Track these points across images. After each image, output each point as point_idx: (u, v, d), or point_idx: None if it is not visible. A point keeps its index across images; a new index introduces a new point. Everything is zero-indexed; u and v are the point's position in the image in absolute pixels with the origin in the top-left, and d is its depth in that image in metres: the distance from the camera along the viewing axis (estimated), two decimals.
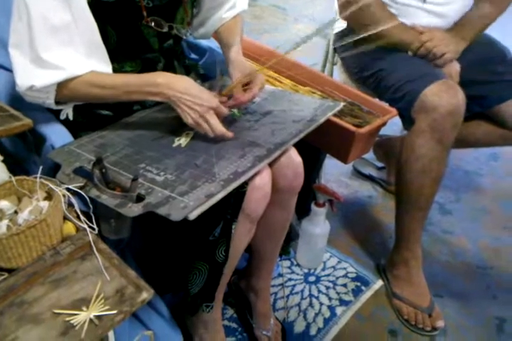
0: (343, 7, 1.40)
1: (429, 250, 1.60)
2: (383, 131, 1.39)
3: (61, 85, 0.90)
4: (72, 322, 0.64)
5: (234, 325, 1.32)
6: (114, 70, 1.00)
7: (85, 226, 0.74)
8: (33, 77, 0.87)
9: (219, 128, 0.93)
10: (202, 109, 0.91)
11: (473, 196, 1.89)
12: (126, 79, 0.93)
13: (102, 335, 0.65)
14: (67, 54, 0.88)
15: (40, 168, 0.76)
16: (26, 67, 0.87)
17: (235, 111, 1.08)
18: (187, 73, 1.18)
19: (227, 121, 1.03)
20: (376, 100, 1.34)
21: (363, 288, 1.46)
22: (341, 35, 1.57)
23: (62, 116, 1.00)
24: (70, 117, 1.00)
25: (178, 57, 1.15)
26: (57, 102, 0.94)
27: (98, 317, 0.65)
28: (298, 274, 1.49)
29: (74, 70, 0.89)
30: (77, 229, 0.76)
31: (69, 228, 0.75)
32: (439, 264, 1.56)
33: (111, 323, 0.65)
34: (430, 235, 1.67)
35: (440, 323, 1.32)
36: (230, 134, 0.95)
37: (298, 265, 1.52)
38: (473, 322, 1.37)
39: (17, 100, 0.96)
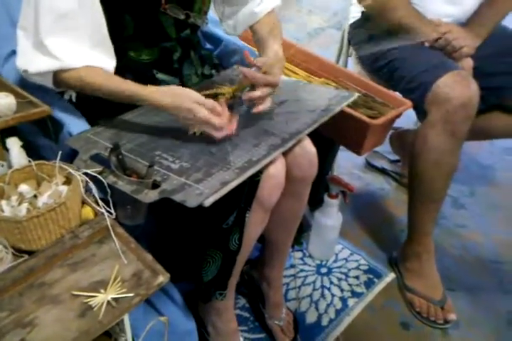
0: None
1: (442, 244, 1.59)
2: (398, 123, 1.38)
3: (56, 74, 0.91)
4: (90, 303, 0.66)
5: (246, 314, 1.33)
6: (131, 58, 1.01)
7: (103, 210, 0.75)
8: (29, 62, 0.89)
9: (217, 120, 0.90)
10: (193, 117, 0.89)
11: (487, 190, 1.88)
12: (119, 86, 0.92)
13: (120, 317, 0.67)
14: (69, 43, 0.89)
15: (59, 153, 0.77)
16: (26, 51, 0.89)
17: None
18: (202, 63, 1.19)
19: (243, 110, 1.03)
20: (391, 91, 1.34)
21: (375, 280, 1.46)
22: (356, 26, 1.57)
23: (66, 96, 1.01)
24: (73, 99, 1.01)
25: (194, 47, 1.15)
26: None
27: (115, 299, 0.67)
28: (310, 265, 1.50)
29: (69, 62, 0.89)
30: (95, 213, 0.77)
31: (87, 212, 0.76)
32: (451, 258, 1.56)
33: (128, 305, 0.66)
34: (443, 229, 1.66)
35: (452, 316, 1.32)
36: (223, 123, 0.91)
37: (310, 256, 1.53)
38: (485, 316, 1.37)
39: (35, 88, 0.98)
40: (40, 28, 0.86)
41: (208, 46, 1.35)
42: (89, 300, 0.66)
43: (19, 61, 0.90)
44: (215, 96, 1.01)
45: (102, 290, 0.67)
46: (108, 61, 0.94)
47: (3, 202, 0.72)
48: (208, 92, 1.01)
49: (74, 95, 1.01)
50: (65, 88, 0.98)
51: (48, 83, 0.93)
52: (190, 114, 0.88)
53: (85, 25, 0.89)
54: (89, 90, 0.92)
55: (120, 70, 0.97)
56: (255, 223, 1.00)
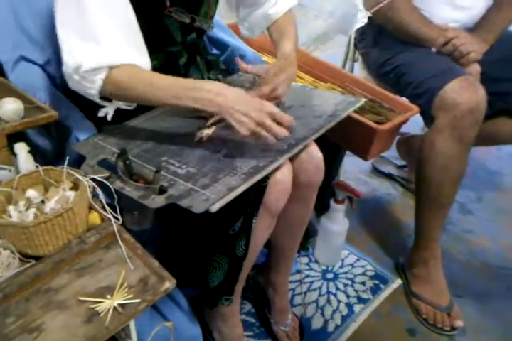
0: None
1: (449, 249, 1.58)
2: (405, 129, 1.38)
3: (108, 76, 0.86)
4: (96, 309, 0.66)
5: (252, 320, 1.32)
6: None
7: (110, 216, 0.75)
8: (82, 56, 0.83)
9: (280, 130, 0.87)
10: (258, 115, 0.85)
11: (494, 196, 1.87)
12: (174, 79, 0.87)
13: (126, 323, 0.67)
14: (118, 41, 0.86)
15: (67, 158, 0.78)
16: (75, 45, 0.84)
17: None
18: (208, 68, 1.19)
19: None
20: (397, 97, 1.34)
21: (381, 286, 1.45)
22: (362, 31, 1.57)
23: (101, 114, 0.96)
24: (109, 118, 0.96)
25: (200, 52, 1.15)
26: (101, 97, 0.90)
27: (122, 305, 0.67)
28: (316, 271, 1.49)
29: (125, 58, 0.86)
30: (102, 219, 0.77)
31: (94, 218, 0.76)
32: (459, 264, 1.55)
33: (134, 311, 0.66)
34: (450, 234, 1.65)
35: (459, 323, 1.31)
36: (286, 133, 0.88)
37: (316, 262, 1.52)
38: (492, 323, 1.35)
39: (45, 94, 0.99)
40: (89, 20, 0.83)
41: (215, 51, 1.35)
42: (95, 305, 0.66)
43: (70, 58, 0.84)
44: None
45: (109, 296, 0.67)
46: (146, 61, 0.91)
47: (11, 208, 0.73)
48: None
49: (111, 114, 0.96)
50: (112, 95, 0.91)
51: (95, 88, 0.87)
52: (256, 105, 0.86)
53: (125, 25, 0.88)
54: (146, 91, 0.86)
55: None
56: (262, 229, 1.00)
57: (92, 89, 0.87)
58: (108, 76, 0.86)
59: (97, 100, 0.91)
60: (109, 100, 0.93)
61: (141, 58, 0.90)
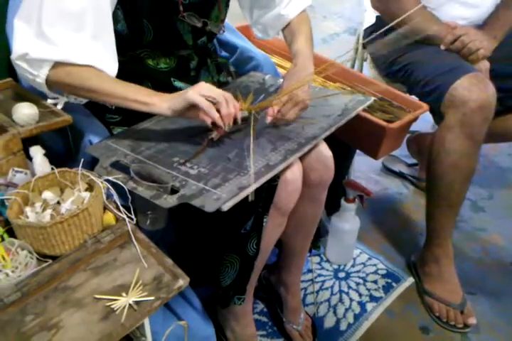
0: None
1: (461, 247, 1.58)
2: (415, 127, 1.38)
3: (56, 67, 0.87)
4: (112, 307, 0.67)
5: (264, 319, 1.33)
6: (149, 67, 1.03)
7: (124, 216, 0.77)
8: (31, 46, 0.84)
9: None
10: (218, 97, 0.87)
11: (506, 193, 1.86)
12: (113, 86, 0.89)
13: (141, 320, 0.68)
14: (74, 38, 0.86)
15: (82, 160, 0.79)
16: (27, 37, 0.85)
17: None
18: (218, 71, 1.21)
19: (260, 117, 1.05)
20: (407, 95, 1.34)
21: (393, 284, 1.45)
22: (371, 30, 1.57)
23: (50, 101, 0.95)
24: (59, 107, 0.95)
25: (210, 55, 1.17)
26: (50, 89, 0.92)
27: (137, 302, 0.68)
28: (328, 270, 1.50)
29: (75, 56, 0.86)
30: (117, 219, 0.79)
31: (109, 218, 0.78)
32: (471, 262, 1.54)
33: (149, 309, 0.68)
34: (462, 232, 1.65)
35: (472, 320, 1.31)
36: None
37: (328, 261, 1.53)
38: (506, 320, 1.35)
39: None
40: (43, 20, 0.83)
41: (224, 54, 1.37)
42: (111, 303, 0.68)
43: (16, 46, 0.85)
44: None
45: (124, 294, 0.69)
46: (112, 65, 0.92)
47: (28, 209, 0.74)
48: None
49: (61, 105, 0.96)
50: (58, 88, 0.92)
51: (40, 78, 0.87)
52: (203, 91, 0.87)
53: (92, 22, 0.87)
54: (84, 91, 0.89)
55: (138, 78, 1.00)
56: (273, 228, 1.01)
57: (38, 77, 0.88)
58: (57, 68, 0.87)
59: (46, 90, 0.92)
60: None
61: (101, 60, 0.90)
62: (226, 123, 0.89)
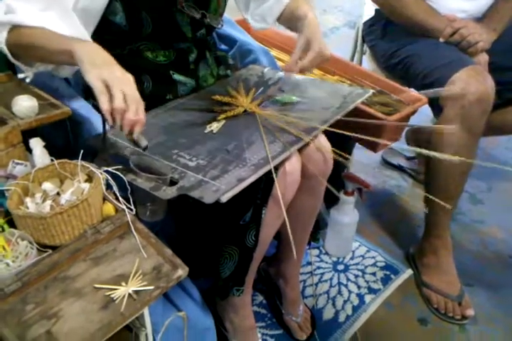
0: None
1: (460, 239, 1.59)
2: (414, 120, 1.38)
3: (13, 31, 0.88)
4: (112, 296, 0.68)
5: (263, 311, 1.34)
6: (148, 60, 1.03)
7: (124, 207, 0.78)
8: None
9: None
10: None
11: (504, 185, 1.87)
12: (46, 42, 0.86)
13: (141, 309, 0.69)
14: (31, 9, 0.88)
15: (81, 151, 0.80)
16: None
17: (282, 97, 1.10)
18: (218, 64, 1.21)
19: (261, 106, 1.05)
20: (406, 88, 1.34)
21: (392, 276, 1.46)
22: (370, 23, 1.57)
23: (20, 76, 0.95)
24: (28, 80, 0.95)
25: (209, 48, 1.17)
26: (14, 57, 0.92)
27: (136, 292, 0.69)
28: (327, 262, 1.51)
29: (29, 19, 0.87)
30: (116, 210, 0.79)
31: (108, 209, 0.78)
32: (469, 254, 1.55)
33: (148, 298, 0.68)
34: (461, 225, 1.66)
35: (470, 312, 1.32)
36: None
37: (326, 253, 1.54)
38: (503, 312, 1.36)
39: (57, 91, 1.01)
40: None
41: (223, 47, 1.37)
42: (111, 292, 0.68)
43: None
44: (226, 104, 1.04)
45: (124, 283, 0.70)
46: (64, 28, 0.88)
47: (28, 200, 0.75)
48: (223, 100, 1.05)
49: (31, 77, 0.95)
50: (16, 52, 0.92)
51: (2, 43, 0.89)
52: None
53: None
54: (32, 50, 0.87)
55: (137, 72, 1.00)
56: (272, 220, 1.01)
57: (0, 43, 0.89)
58: (10, 33, 0.88)
59: (10, 58, 0.92)
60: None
61: (55, 23, 0.89)
62: (117, 119, 0.79)
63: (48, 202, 0.74)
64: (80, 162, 0.79)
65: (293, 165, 0.96)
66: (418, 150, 1.00)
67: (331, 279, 1.45)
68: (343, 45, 1.92)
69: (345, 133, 0.98)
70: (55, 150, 1.02)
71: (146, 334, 0.83)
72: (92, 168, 0.77)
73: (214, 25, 1.10)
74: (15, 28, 0.89)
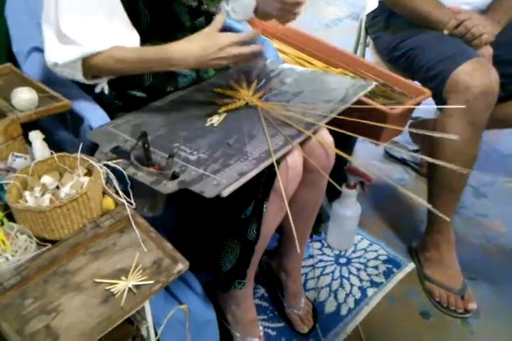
0: None
1: (463, 233, 1.58)
2: (417, 113, 1.37)
3: (85, 60, 0.91)
4: (112, 290, 0.68)
5: (265, 304, 1.34)
6: None
7: (124, 201, 0.77)
8: (56, 54, 0.90)
9: (252, 48, 0.93)
10: (227, 52, 0.90)
11: (508, 179, 1.85)
12: (143, 54, 0.93)
13: (141, 303, 0.68)
14: (88, 26, 0.90)
15: (81, 145, 0.79)
16: (51, 43, 0.91)
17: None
18: None
19: (262, 99, 1.04)
20: (409, 81, 1.33)
21: (394, 270, 1.46)
22: (373, 15, 1.55)
23: (97, 90, 1.00)
24: (106, 91, 1.00)
25: None
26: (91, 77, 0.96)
27: (136, 286, 0.69)
28: (329, 256, 1.50)
29: (93, 46, 0.90)
30: (116, 204, 0.79)
31: (108, 203, 0.78)
32: (472, 247, 1.54)
33: (148, 292, 0.68)
34: (464, 218, 1.65)
35: (472, 305, 1.32)
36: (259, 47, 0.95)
37: (329, 247, 1.53)
38: (506, 306, 1.36)
39: (56, 83, 1.00)
40: (59, 17, 0.88)
41: None
42: (111, 287, 0.68)
43: (47, 56, 0.91)
44: (228, 97, 1.04)
45: (124, 278, 0.69)
46: (131, 36, 0.95)
47: (27, 193, 0.75)
48: (225, 93, 1.04)
49: (106, 87, 1.00)
50: (97, 74, 0.97)
51: (78, 75, 0.93)
52: (218, 46, 0.90)
53: (101, 3, 0.90)
54: (119, 68, 0.93)
55: None
56: (273, 213, 1.01)
57: (76, 75, 0.94)
58: (84, 64, 0.92)
59: (86, 81, 0.96)
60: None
61: (123, 38, 0.93)
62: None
63: (47, 196, 0.73)
64: (79, 155, 0.78)
65: (295, 159, 0.95)
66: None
67: (332, 272, 1.45)
68: (346, 37, 1.91)
69: (345, 132, 0.98)
70: (57, 144, 1.01)
71: (148, 328, 0.83)
72: (92, 161, 0.77)
73: (213, 12, 1.08)
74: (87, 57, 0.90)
